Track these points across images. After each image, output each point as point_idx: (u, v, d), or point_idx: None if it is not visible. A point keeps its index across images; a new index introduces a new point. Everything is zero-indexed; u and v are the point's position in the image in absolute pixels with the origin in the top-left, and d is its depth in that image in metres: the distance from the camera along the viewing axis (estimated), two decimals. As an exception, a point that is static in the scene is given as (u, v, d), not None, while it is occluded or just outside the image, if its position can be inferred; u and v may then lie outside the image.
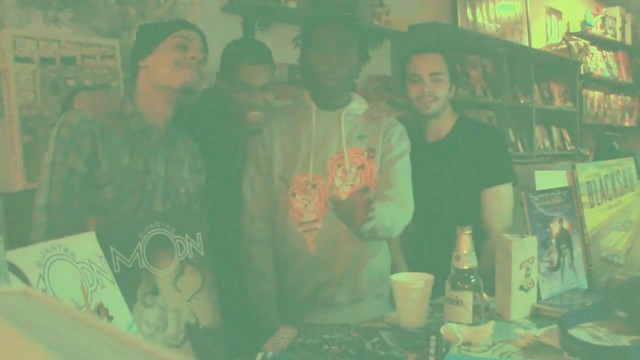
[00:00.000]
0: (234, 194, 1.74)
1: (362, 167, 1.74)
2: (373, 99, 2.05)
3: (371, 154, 1.76)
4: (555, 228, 1.54)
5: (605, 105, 6.14)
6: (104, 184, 1.38)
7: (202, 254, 1.26)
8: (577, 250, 1.58)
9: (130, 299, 1.10)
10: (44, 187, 1.33)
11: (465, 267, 1.33)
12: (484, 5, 4.64)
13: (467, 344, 1.23)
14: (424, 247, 1.93)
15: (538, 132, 5.04)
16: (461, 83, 4.05)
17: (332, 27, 1.72)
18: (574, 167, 1.66)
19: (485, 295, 1.38)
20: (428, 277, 1.39)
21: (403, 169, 1.79)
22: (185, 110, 1.61)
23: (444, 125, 1.99)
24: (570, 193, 1.61)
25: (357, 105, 1.81)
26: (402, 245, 1.97)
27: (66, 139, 1.34)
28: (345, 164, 1.72)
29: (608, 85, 6.26)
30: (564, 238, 1.56)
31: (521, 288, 1.40)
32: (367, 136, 1.77)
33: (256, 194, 1.74)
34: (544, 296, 1.46)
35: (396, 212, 1.69)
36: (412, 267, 1.84)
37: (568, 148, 5.37)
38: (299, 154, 1.72)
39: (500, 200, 1.87)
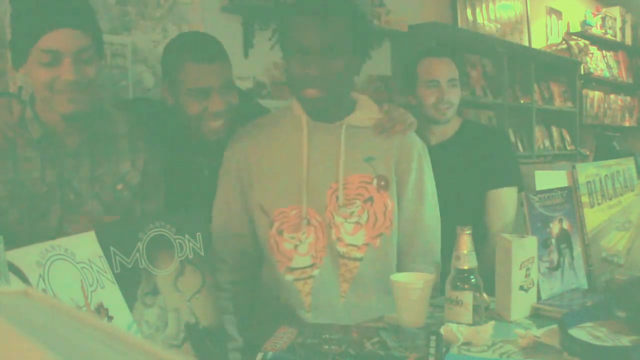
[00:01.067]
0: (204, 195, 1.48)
1: (370, 200, 1.38)
2: (383, 103, 1.59)
3: (382, 184, 1.38)
4: (555, 228, 1.54)
5: (605, 105, 6.14)
6: (3, 207, 1.25)
7: (202, 254, 1.26)
8: (577, 250, 1.58)
9: (130, 299, 1.10)
10: None
11: (465, 267, 1.33)
12: (484, 5, 4.64)
13: (467, 344, 1.23)
14: None
15: (538, 132, 5.04)
16: (461, 83, 4.05)
17: (315, 21, 1.28)
18: (574, 167, 1.66)
19: (485, 295, 1.38)
20: (428, 277, 1.39)
21: (432, 215, 1.44)
22: (133, 127, 1.40)
23: (449, 128, 1.95)
24: (570, 193, 1.61)
25: (364, 115, 1.42)
26: None
27: None
28: (339, 197, 1.35)
29: (608, 85, 6.26)
30: (564, 238, 1.56)
31: (521, 288, 1.40)
32: (376, 158, 1.39)
33: (226, 233, 1.39)
34: (544, 296, 1.46)
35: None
36: None
37: (568, 148, 5.36)
38: (286, 180, 1.36)
39: (503, 202, 1.85)
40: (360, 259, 1.39)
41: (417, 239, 1.47)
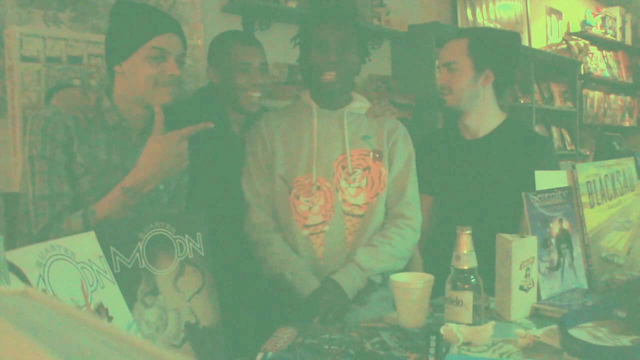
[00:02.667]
0: (234, 192, 1.72)
1: (367, 168, 1.70)
2: (375, 99, 2.01)
3: (377, 156, 1.72)
4: (555, 228, 1.54)
5: (605, 105, 6.14)
6: (79, 175, 1.38)
7: (202, 254, 1.26)
8: (577, 250, 1.58)
9: (130, 299, 1.10)
10: (29, 183, 1.34)
11: (465, 267, 1.33)
12: (484, 5, 4.64)
13: (467, 344, 1.23)
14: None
15: (538, 132, 5.04)
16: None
17: (332, 24, 1.68)
18: (574, 167, 1.66)
19: (485, 295, 1.38)
20: (428, 277, 1.39)
21: (412, 179, 1.74)
22: (178, 109, 1.59)
23: (484, 122, 1.82)
24: (570, 193, 1.61)
25: (359, 104, 1.77)
26: (423, 245, 1.93)
27: (39, 130, 1.34)
28: (348, 166, 1.68)
29: (608, 85, 6.26)
30: (564, 238, 1.56)
31: (521, 288, 1.40)
32: (372, 137, 1.73)
33: (260, 196, 1.69)
34: (544, 296, 1.46)
35: (410, 239, 1.69)
36: (432, 269, 1.62)
37: (568, 148, 5.36)
38: (301, 154, 1.68)
39: None
40: (361, 216, 1.69)
41: (404, 193, 1.75)
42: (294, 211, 1.66)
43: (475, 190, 1.80)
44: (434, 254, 1.90)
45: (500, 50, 1.80)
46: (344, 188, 1.68)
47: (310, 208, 1.66)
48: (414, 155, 1.77)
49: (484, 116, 1.82)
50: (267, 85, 1.80)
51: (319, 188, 1.67)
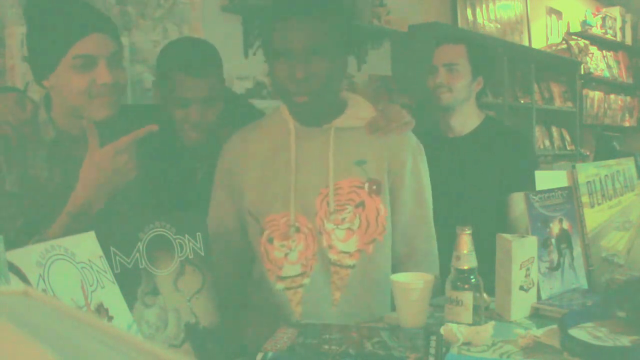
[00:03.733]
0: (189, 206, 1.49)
1: (361, 204, 1.33)
2: (379, 102, 1.64)
3: (374, 188, 1.34)
4: (555, 228, 1.54)
5: (605, 105, 6.14)
6: (9, 204, 1.26)
7: (202, 254, 1.26)
8: (577, 250, 1.58)
9: (130, 299, 1.10)
10: None
11: (465, 267, 1.33)
12: (484, 5, 4.64)
13: (467, 344, 1.23)
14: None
15: (538, 132, 5.04)
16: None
17: (300, 22, 1.23)
18: (574, 167, 1.66)
19: (485, 295, 1.38)
20: (428, 277, 1.39)
21: (428, 222, 1.42)
22: (133, 115, 1.43)
23: (467, 121, 1.92)
24: (570, 193, 1.61)
25: (353, 114, 1.37)
26: None
27: None
28: (330, 203, 1.31)
29: (608, 85, 6.26)
30: (564, 238, 1.56)
31: (521, 288, 1.40)
32: (368, 161, 1.34)
33: (227, 233, 1.38)
34: (544, 296, 1.46)
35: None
36: None
37: (568, 148, 5.36)
38: (275, 187, 1.33)
39: None
40: (353, 266, 1.35)
41: (417, 245, 1.45)
42: (266, 259, 1.34)
43: (459, 188, 1.84)
44: None
45: (490, 60, 2.02)
46: (330, 230, 1.32)
47: (286, 255, 1.33)
48: (429, 187, 1.44)
49: (468, 116, 1.92)
50: (212, 122, 1.48)
51: (298, 230, 1.32)
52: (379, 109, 1.40)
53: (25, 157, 1.29)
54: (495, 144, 1.87)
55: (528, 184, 1.72)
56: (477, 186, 1.83)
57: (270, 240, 1.33)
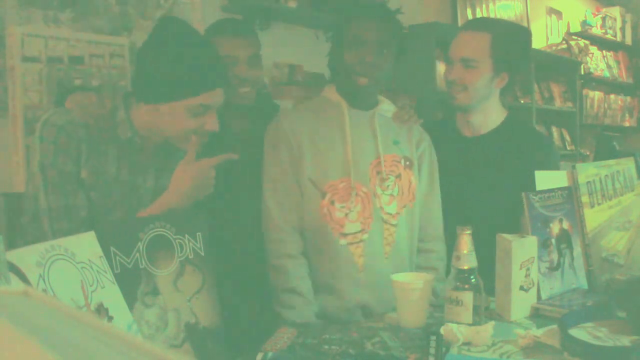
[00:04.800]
0: (237, 193, 1.63)
1: (399, 176, 1.59)
2: (398, 102, 1.88)
3: (408, 163, 1.61)
4: (555, 228, 1.54)
5: (605, 105, 6.14)
6: (86, 189, 1.31)
7: (202, 254, 1.26)
8: (577, 250, 1.58)
9: (130, 299, 1.10)
10: (40, 190, 1.28)
11: (465, 267, 1.33)
12: (484, 5, 4.64)
13: (467, 344, 1.23)
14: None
15: (538, 130, 5.03)
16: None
17: (372, 21, 1.53)
18: (574, 167, 1.66)
19: (485, 295, 1.38)
20: (428, 277, 1.39)
21: (437, 201, 1.66)
22: None
23: (487, 120, 1.74)
24: (570, 193, 1.61)
25: (387, 107, 1.65)
26: None
27: (51, 139, 1.28)
28: (382, 171, 1.56)
29: (608, 85, 6.26)
30: (564, 238, 1.56)
31: (521, 288, 1.40)
32: (401, 142, 1.62)
33: (283, 203, 1.53)
34: (544, 296, 1.46)
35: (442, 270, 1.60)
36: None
37: (568, 148, 5.36)
38: (333, 157, 1.54)
39: None
40: (394, 225, 1.58)
41: (428, 223, 1.66)
42: (329, 218, 1.52)
43: (475, 189, 1.72)
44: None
45: (518, 51, 1.72)
46: (379, 194, 1.55)
47: (346, 215, 1.53)
48: (437, 172, 1.67)
49: (489, 114, 1.74)
50: (259, 78, 1.69)
51: (356, 194, 1.53)
52: (399, 105, 1.70)
53: (100, 151, 1.34)
54: (517, 145, 1.71)
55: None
56: (494, 188, 1.70)
57: (332, 203, 1.53)
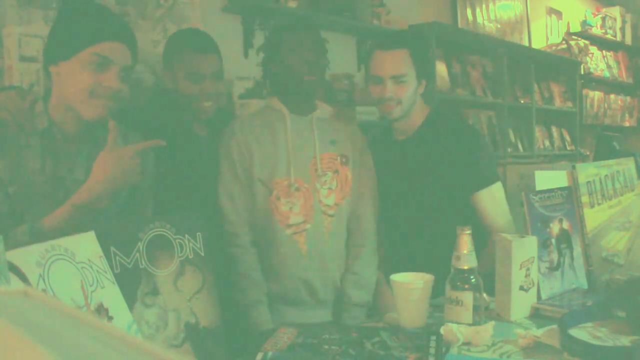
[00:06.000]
0: (205, 195, 1.71)
1: (336, 172, 1.78)
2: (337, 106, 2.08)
3: (344, 160, 1.80)
4: (555, 228, 1.54)
5: (605, 105, 6.14)
6: (2, 185, 1.28)
7: (202, 254, 1.26)
8: (577, 250, 1.58)
9: (130, 299, 1.10)
10: None
11: (465, 267, 1.33)
12: (484, 5, 4.64)
13: (467, 344, 1.23)
14: (405, 252, 1.84)
15: (538, 132, 5.03)
16: (461, 83, 4.05)
17: (303, 32, 1.75)
18: (574, 167, 1.66)
19: (485, 295, 1.38)
20: (428, 277, 1.39)
21: (371, 194, 1.82)
22: (134, 114, 1.60)
23: (414, 121, 1.86)
24: (570, 193, 1.61)
25: (324, 110, 1.84)
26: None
27: None
28: (318, 168, 1.75)
29: (608, 85, 6.26)
30: (564, 238, 1.56)
31: (521, 288, 1.40)
32: (338, 141, 1.80)
33: (235, 201, 1.72)
34: (544, 296, 1.46)
35: (373, 264, 1.78)
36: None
37: (568, 148, 5.36)
38: (277, 158, 1.72)
39: (497, 200, 1.76)
40: (332, 215, 1.77)
41: (360, 208, 1.83)
42: (276, 212, 1.72)
43: (411, 189, 1.82)
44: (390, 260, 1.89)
45: (428, 58, 1.96)
46: (318, 189, 1.75)
47: (290, 208, 1.72)
48: (372, 166, 1.85)
49: (414, 118, 1.85)
50: (221, 92, 1.79)
51: (297, 189, 1.73)
52: (336, 109, 1.91)
53: (19, 145, 1.31)
54: (443, 139, 1.81)
55: (493, 176, 1.75)
56: (428, 186, 1.79)
57: (278, 198, 1.71)
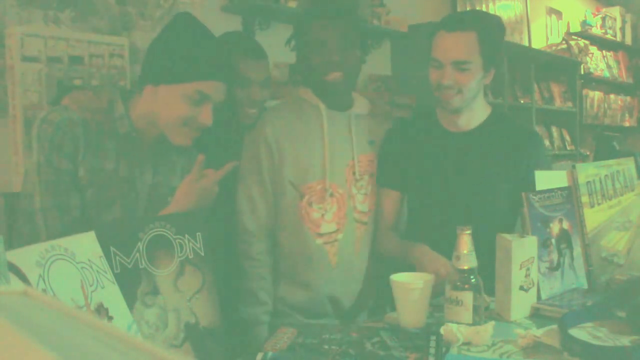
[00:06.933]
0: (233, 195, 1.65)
1: (372, 175, 1.67)
2: (374, 99, 1.95)
3: None
4: (555, 228, 1.54)
5: (605, 105, 6.14)
6: (83, 187, 1.32)
7: (202, 254, 1.26)
8: (577, 250, 1.58)
9: (130, 299, 1.10)
10: (35, 190, 1.28)
11: (465, 267, 1.33)
12: (484, 5, 4.64)
13: (467, 344, 1.23)
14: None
15: (538, 132, 5.04)
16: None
17: (331, 21, 1.57)
18: (574, 167, 1.65)
19: (485, 295, 1.38)
20: (428, 277, 1.39)
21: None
22: None
23: (477, 115, 1.67)
24: (570, 193, 1.61)
25: (362, 104, 1.70)
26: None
27: (47, 137, 1.28)
28: (356, 172, 1.63)
29: (608, 85, 6.26)
30: (564, 238, 1.56)
31: (521, 288, 1.40)
32: (376, 141, 1.68)
33: (256, 207, 1.59)
34: (544, 296, 1.46)
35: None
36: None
37: (568, 148, 5.36)
38: (312, 159, 1.59)
39: None
40: (366, 223, 1.66)
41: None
42: (307, 219, 1.59)
43: (468, 184, 1.64)
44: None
45: (500, 44, 1.67)
46: (354, 194, 1.63)
47: (322, 215, 1.60)
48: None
49: (475, 110, 1.67)
50: (266, 100, 1.71)
51: (332, 195, 1.60)
52: (374, 104, 1.77)
53: (98, 147, 1.34)
54: (504, 141, 1.66)
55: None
56: (482, 186, 1.64)
57: (310, 204, 1.59)
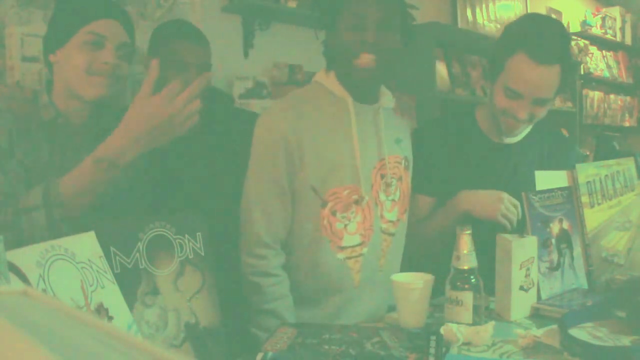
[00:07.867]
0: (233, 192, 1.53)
1: (400, 178, 1.46)
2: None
3: (407, 164, 1.49)
4: (555, 228, 1.54)
5: (605, 105, 6.14)
6: (20, 176, 1.26)
7: (202, 254, 1.26)
8: (577, 250, 1.58)
9: (130, 299, 1.10)
10: None
11: (465, 267, 1.33)
12: (484, 5, 4.64)
13: (467, 344, 1.23)
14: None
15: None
16: (461, 83, 4.05)
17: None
18: (574, 167, 1.66)
19: (485, 295, 1.38)
20: (428, 277, 1.39)
21: None
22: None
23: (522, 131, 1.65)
24: (570, 193, 1.61)
25: (388, 98, 1.47)
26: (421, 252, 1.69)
27: None
28: (386, 175, 1.41)
29: (608, 85, 6.25)
30: (564, 238, 1.56)
31: (521, 288, 1.40)
32: (403, 140, 1.49)
33: (272, 217, 1.35)
34: (544, 296, 1.46)
35: None
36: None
37: (568, 148, 5.36)
38: (337, 160, 1.35)
39: None
40: (393, 234, 1.46)
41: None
42: (328, 230, 1.36)
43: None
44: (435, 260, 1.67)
45: (575, 70, 1.63)
46: (382, 201, 1.41)
47: (345, 226, 1.36)
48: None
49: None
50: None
51: (358, 202, 1.37)
52: (397, 96, 1.54)
53: (27, 138, 1.31)
54: (548, 149, 1.66)
55: None
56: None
57: (334, 213, 1.35)
